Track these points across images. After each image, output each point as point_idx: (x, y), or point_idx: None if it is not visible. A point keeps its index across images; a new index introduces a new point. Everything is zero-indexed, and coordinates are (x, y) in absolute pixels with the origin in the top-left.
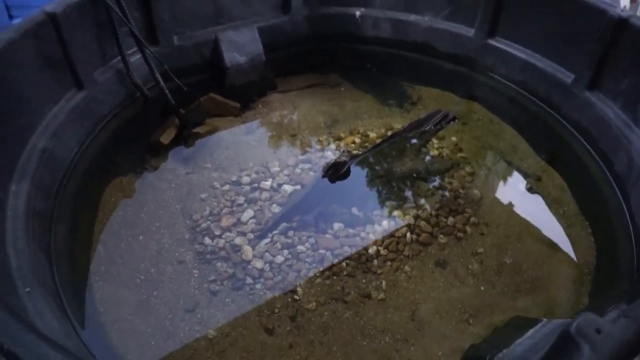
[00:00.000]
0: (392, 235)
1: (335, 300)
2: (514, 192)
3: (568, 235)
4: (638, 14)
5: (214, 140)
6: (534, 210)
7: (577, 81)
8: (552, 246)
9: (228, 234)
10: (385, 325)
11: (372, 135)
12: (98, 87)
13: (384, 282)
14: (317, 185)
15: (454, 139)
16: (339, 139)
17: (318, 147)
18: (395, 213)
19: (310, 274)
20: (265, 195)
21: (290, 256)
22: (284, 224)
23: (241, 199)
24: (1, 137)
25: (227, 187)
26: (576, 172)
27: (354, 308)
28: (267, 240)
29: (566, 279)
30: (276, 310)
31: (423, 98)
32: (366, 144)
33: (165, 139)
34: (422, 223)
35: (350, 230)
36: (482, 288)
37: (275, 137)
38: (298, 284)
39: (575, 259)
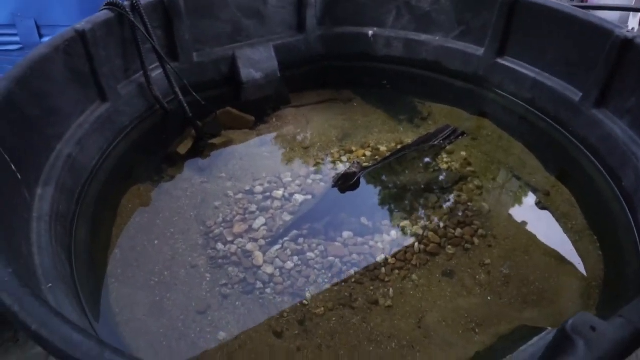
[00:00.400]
0: (400, 244)
1: (343, 306)
2: (522, 206)
3: (576, 249)
4: None
5: (229, 151)
6: (542, 224)
7: (585, 99)
8: (560, 259)
9: (240, 240)
10: (392, 332)
11: (383, 148)
12: (121, 99)
13: (391, 290)
14: (328, 195)
15: (463, 153)
16: (350, 152)
17: (329, 159)
18: (404, 223)
19: (319, 280)
20: (277, 204)
21: (300, 262)
22: (295, 232)
23: (253, 207)
24: (33, 144)
25: (240, 195)
26: (585, 188)
27: (362, 314)
28: (277, 246)
29: (574, 292)
30: (285, 315)
31: (433, 114)
32: (376, 157)
33: (182, 149)
34: (430, 234)
35: (359, 239)
36: (489, 298)
37: (288, 149)
38: (307, 289)
39: (583, 272)
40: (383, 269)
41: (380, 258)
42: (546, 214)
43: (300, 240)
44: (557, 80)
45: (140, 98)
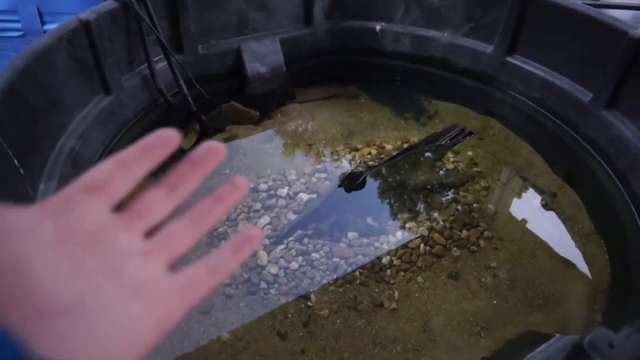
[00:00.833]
0: (405, 246)
1: (347, 308)
2: (528, 207)
3: (583, 253)
4: None
5: (233, 147)
6: (548, 226)
7: (596, 100)
8: (566, 263)
9: None
10: (397, 335)
11: (388, 147)
12: (124, 92)
13: (396, 292)
14: (333, 195)
15: (469, 153)
16: (355, 149)
17: (334, 157)
18: (409, 224)
19: (324, 282)
20: (281, 202)
21: (304, 263)
22: (299, 231)
23: (258, 205)
24: (36, 137)
25: None
26: (592, 190)
27: (366, 316)
28: (282, 246)
29: (580, 296)
30: (289, 316)
31: (440, 112)
32: (382, 156)
33: (186, 144)
34: (436, 235)
35: (365, 240)
36: (495, 302)
37: (292, 146)
38: (311, 290)
39: (589, 276)
40: (388, 271)
41: (385, 260)
42: (552, 216)
43: (305, 240)
44: (567, 80)
45: (144, 91)
